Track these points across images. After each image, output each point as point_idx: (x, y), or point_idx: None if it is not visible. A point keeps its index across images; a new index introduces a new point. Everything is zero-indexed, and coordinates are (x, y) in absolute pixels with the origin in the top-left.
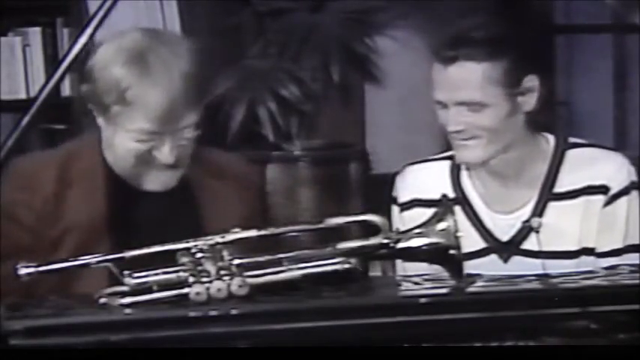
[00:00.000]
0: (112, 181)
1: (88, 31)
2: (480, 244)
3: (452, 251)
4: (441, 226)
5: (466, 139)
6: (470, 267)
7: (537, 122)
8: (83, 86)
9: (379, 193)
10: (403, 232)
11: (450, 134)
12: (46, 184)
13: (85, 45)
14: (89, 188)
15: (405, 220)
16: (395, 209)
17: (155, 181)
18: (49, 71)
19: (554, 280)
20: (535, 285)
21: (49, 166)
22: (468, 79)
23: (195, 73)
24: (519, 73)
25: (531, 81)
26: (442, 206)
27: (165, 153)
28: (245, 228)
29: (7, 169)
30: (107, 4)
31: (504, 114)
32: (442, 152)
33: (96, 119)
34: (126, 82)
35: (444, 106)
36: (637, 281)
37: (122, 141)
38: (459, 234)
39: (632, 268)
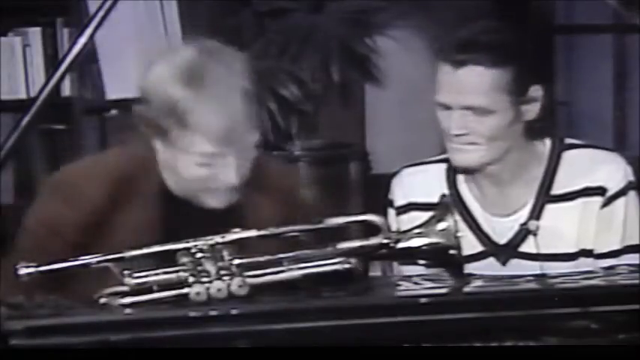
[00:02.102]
0: (167, 203)
1: (88, 31)
2: (478, 247)
3: (452, 251)
4: (441, 226)
5: (465, 144)
6: (468, 270)
7: (535, 129)
8: (137, 107)
9: (379, 193)
10: (403, 232)
11: (449, 137)
12: (96, 202)
13: (85, 45)
14: (142, 211)
15: (401, 223)
16: (391, 212)
17: (217, 200)
18: (49, 71)
19: (554, 281)
20: (535, 285)
21: (101, 183)
22: (477, 84)
23: (253, 89)
24: (526, 82)
25: (536, 91)
26: (442, 206)
27: (230, 175)
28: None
29: (53, 178)
30: (107, 4)
31: (507, 122)
32: (439, 154)
33: (150, 140)
34: (184, 105)
35: (447, 108)
36: (636, 281)
37: (185, 165)
38: (459, 234)
39: (632, 268)
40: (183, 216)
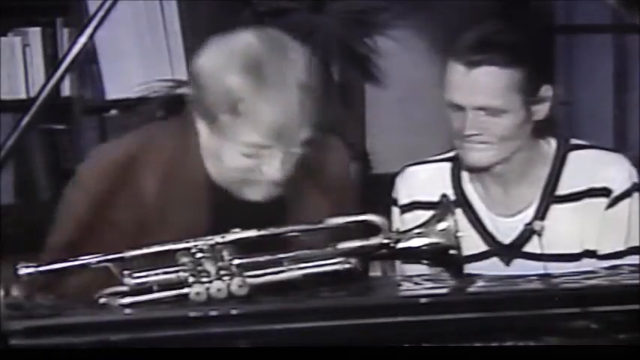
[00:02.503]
0: (211, 190)
1: (88, 31)
2: (482, 247)
3: (452, 251)
4: (441, 226)
5: (477, 144)
6: (471, 270)
7: (541, 129)
8: (188, 88)
9: (379, 193)
10: (403, 232)
11: (460, 137)
12: (146, 188)
13: (85, 45)
14: (191, 198)
15: (405, 222)
16: (395, 211)
17: (258, 193)
18: (49, 71)
19: (555, 280)
20: (535, 285)
21: (149, 168)
22: (492, 84)
23: (311, 84)
24: (538, 82)
25: (547, 91)
26: (442, 206)
27: (274, 168)
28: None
29: (94, 157)
30: (107, 4)
31: (519, 121)
32: (442, 153)
33: (195, 123)
34: (238, 93)
35: (460, 108)
36: (637, 281)
37: (230, 154)
38: (459, 234)
39: (632, 268)
40: (226, 206)
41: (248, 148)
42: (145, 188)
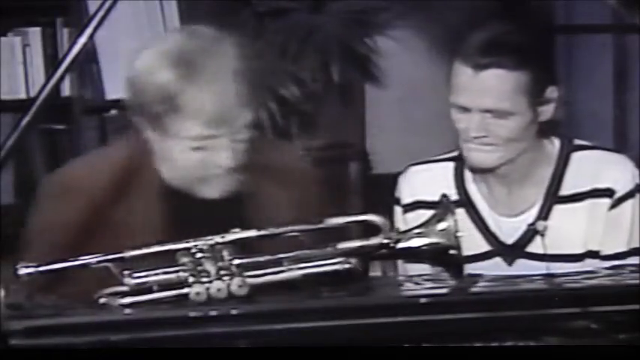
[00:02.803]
0: (168, 195)
1: (88, 31)
2: (485, 247)
3: (452, 251)
4: (441, 226)
5: (482, 145)
6: (474, 270)
7: (545, 129)
8: (126, 98)
9: (379, 193)
10: (403, 232)
11: (466, 138)
12: (95, 202)
13: (85, 45)
14: (143, 207)
15: (408, 221)
16: (398, 210)
17: (214, 188)
18: (49, 71)
19: (555, 280)
20: (535, 285)
21: (98, 182)
22: (499, 87)
23: (244, 69)
24: (544, 84)
25: (553, 92)
26: (442, 206)
27: (224, 157)
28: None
29: (51, 180)
30: (107, 4)
31: (525, 123)
32: (446, 153)
33: (142, 133)
34: (173, 88)
35: (466, 110)
36: (637, 281)
37: (179, 151)
38: (459, 234)
39: (632, 268)
40: (184, 210)
41: (194, 141)
42: (100, 203)
